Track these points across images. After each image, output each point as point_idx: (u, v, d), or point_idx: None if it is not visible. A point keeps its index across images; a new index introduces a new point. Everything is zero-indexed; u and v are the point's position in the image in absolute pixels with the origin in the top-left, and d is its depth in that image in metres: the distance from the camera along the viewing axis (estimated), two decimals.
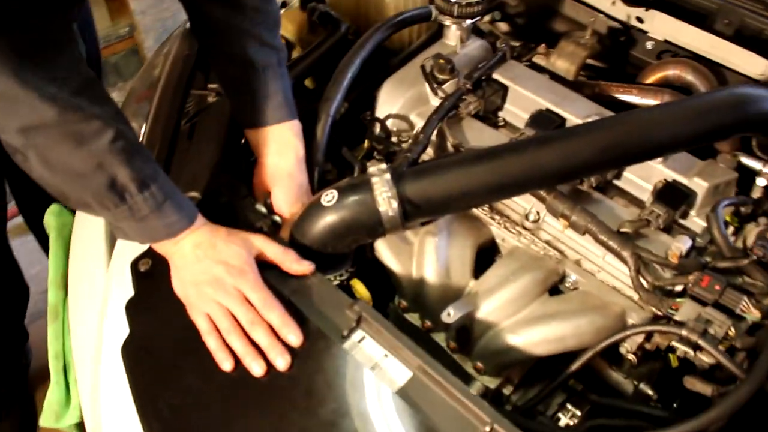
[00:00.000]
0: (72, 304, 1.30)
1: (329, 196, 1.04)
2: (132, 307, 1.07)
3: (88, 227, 1.33)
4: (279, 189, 1.17)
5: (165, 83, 1.35)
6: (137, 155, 0.95)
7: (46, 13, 0.89)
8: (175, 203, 1.00)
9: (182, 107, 1.32)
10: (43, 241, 2.11)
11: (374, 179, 1.01)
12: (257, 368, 0.96)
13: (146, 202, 0.96)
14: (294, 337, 0.97)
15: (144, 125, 1.32)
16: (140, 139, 1.31)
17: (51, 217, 1.45)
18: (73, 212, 1.41)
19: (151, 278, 1.09)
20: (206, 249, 1.02)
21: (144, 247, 1.10)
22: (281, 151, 1.19)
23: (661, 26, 1.44)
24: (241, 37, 1.16)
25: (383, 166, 1.04)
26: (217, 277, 1.00)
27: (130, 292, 1.09)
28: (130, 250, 1.13)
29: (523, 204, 1.19)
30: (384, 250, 1.19)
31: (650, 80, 1.42)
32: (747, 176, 1.18)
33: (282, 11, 1.56)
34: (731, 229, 1.11)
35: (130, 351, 1.04)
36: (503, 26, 1.61)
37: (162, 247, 1.04)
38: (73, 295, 1.30)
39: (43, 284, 2.18)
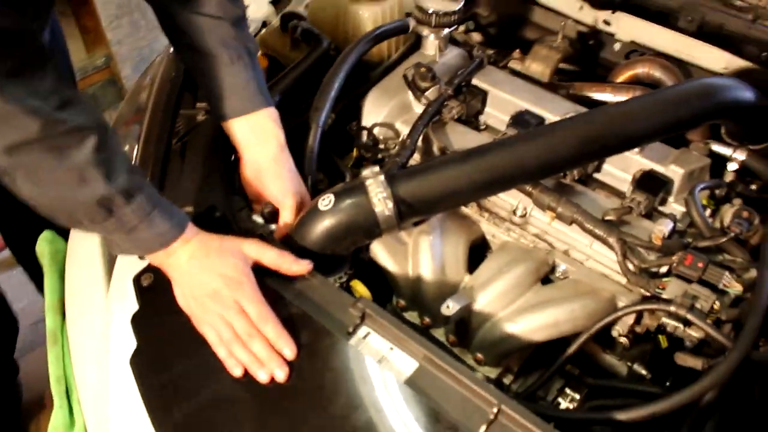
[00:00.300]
0: (71, 327, 1.31)
1: (326, 201, 1.07)
2: (138, 321, 1.10)
3: (84, 251, 1.34)
4: (269, 178, 1.19)
5: (154, 105, 1.38)
6: (122, 167, 0.96)
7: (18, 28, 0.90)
8: (164, 212, 1.01)
9: (172, 127, 1.35)
10: (32, 272, 2.11)
11: (368, 181, 1.05)
12: (262, 375, 0.98)
13: (134, 212, 0.97)
14: (288, 350, 0.99)
15: (135, 147, 1.35)
16: (132, 161, 1.34)
17: (44, 244, 1.46)
18: (66, 238, 1.43)
19: (155, 292, 1.11)
20: (202, 260, 1.03)
21: (145, 263, 1.13)
22: (262, 139, 1.21)
23: (627, 27, 1.51)
24: (208, 33, 1.18)
25: (376, 168, 1.08)
26: (216, 290, 1.02)
27: (133, 309, 1.12)
28: (129, 268, 1.15)
29: (510, 200, 1.24)
30: (380, 251, 1.22)
31: (621, 79, 1.48)
32: (719, 162, 1.25)
33: (263, 31, 1.60)
34: (708, 211, 1.17)
35: (140, 363, 1.06)
36: (476, 36, 1.67)
37: (157, 259, 1.06)
38: (73, 319, 1.31)
39: (31, 318, 2.20)
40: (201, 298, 1.03)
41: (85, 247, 1.33)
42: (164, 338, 1.09)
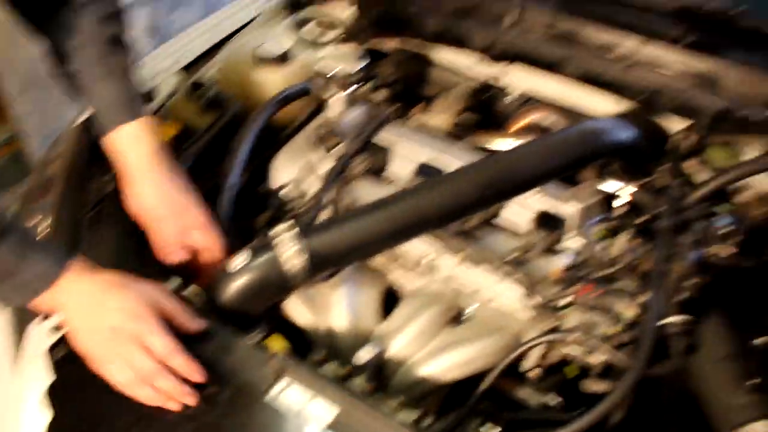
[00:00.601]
0: None
1: (240, 258, 1.10)
2: (53, 392, 1.08)
3: None
4: (142, 187, 1.21)
5: (64, 176, 1.38)
6: None
7: None
8: (42, 248, 1.00)
9: (84, 197, 1.35)
10: None
11: (279, 237, 1.09)
12: (172, 406, 1.00)
13: (8, 253, 0.96)
14: (197, 376, 1.00)
15: (47, 219, 1.34)
16: (45, 232, 1.33)
17: None
18: None
19: (69, 362, 1.09)
20: (99, 295, 1.01)
21: (56, 337, 1.11)
22: (133, 149, 1.22)
23: (521, 79, 1.61)
24: (81, 55, 1.23)
25: (286, 224, 1.11)
26: (116, 327, 0.99)
27: (47, 383, 1.10)
28: (41, 342, 1.14)
29: (418, 247, 1.29)
30: (295, 306, 1.25)
31: (516, 127, 1.57)
32: (612, 197, 1.34)
33: (173, 98, 1.62)
34: (603, 243, 1.25)
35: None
36: (380, 95, 1.74)
37: (50, 302, 1.01)
38: None
39: None
40: (100, 336, 1.00)
41: None
42: (83, 407, 1.08)
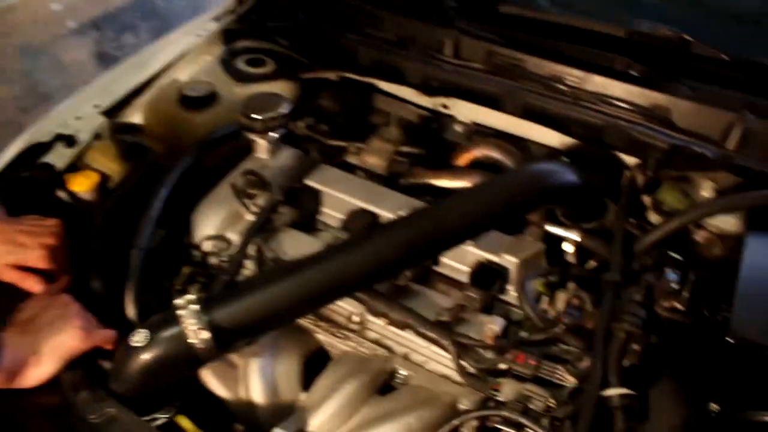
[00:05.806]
0: None
1: (139, 336, 1.00)
2: None
3: None
4: None
5: None
6: None
7: None
8: None
9: None
10: None
11: (181, 312, 0.99)
12: None
13: None
14: None
15: None
16: None
17: None
18: None
19: None
20: None
21: None
22: None
23: (465, 110, 1.51)
24: None
25: (191, 296, 1.01)
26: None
27: None
28: None
29: (346, 307, 1.19)
30: (210, 377, 1.15)
31: (460, 163, 1.48)
32: (558, 243, 1.24)
33: (95, 143, 1.52)
34: (546, 299, 1.15)
35: None
36: (323, 126, 1.63)
37: None
38: None
39: None
40: None
41: None
42: None
